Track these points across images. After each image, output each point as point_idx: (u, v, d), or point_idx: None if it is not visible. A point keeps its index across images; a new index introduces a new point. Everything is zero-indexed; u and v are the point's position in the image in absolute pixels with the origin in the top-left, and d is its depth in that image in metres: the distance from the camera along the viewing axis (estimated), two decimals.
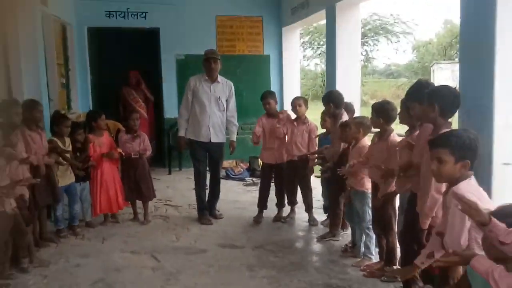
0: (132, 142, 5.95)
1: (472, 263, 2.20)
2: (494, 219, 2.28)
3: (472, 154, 2.72)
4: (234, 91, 6.17)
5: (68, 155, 5.42)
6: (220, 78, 6.03)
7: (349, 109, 5.54)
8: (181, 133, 6.09)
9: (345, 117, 5.15)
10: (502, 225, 2.25)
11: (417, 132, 3.69)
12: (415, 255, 3.11)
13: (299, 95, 9.98)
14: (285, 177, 6.07)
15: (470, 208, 2.37)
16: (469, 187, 2.66)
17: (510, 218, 2.22)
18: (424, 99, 3.33)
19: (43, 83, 6.36)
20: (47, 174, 5.11)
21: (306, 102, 5.95)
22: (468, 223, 2.54)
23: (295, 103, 5.86)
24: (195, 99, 5.97)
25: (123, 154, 5.95)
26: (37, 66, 6.17)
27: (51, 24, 7.14)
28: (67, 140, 5.48)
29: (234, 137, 6.22)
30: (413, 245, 3.47)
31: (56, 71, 7.36)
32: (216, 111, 5.99)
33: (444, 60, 21.71)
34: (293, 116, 5.98)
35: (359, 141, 4.65)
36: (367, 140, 4.67)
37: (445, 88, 3.36)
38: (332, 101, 5.24)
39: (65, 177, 5.46)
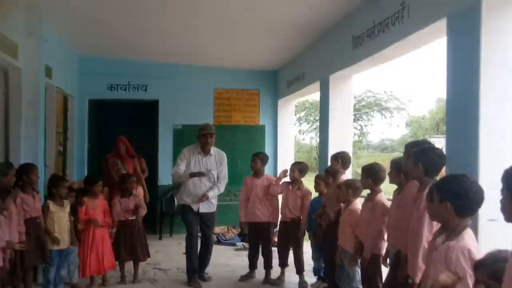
0: (128, 204, 6.05)
1: None
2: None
3: (455, 198, 2.68)
4: (226, 161, 6.34)
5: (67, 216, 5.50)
6: (212, 150, 6.21)
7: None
8: (184, 178, 6.14)
9: (345, 177, 5.27)
10: None
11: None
12: None
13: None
14: (278, 239, 6.16)
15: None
16: (471, 241, 2.65)
17: (495, 265, 2.22)
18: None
19: (40, 149, 6.52)
20: (39, 236, 5.14)
21: (303, 168, 6.05)
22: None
23: (290, 168, 6.01)
24: (186, 171, 6.10)
25: (114, 222, 6.00)
26: (36, 133, 6.34)
27: (53, 95, 7.42)
28: (66, 202, 5.55)
29: (211, 194, 6.11)
30: None
31: (54, 139, 7.56)
32: (206, 182, 6.13)
33: (437, 134, 22.13)
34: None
35: (350, 203, 4.75)
36: (358, 203, 4.77)
37: (430, 150, 3.49)
38: (341, 158, 5.36)
39: (63, 242, 5.45)
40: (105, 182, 6.41)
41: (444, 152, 3.54)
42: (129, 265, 6.11)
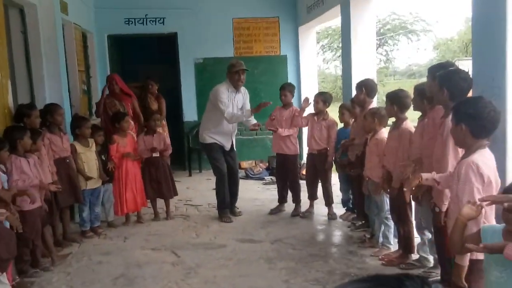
0: (152, 142, 6.05)
1: (506, 252, 2.19)
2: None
3: (469, 120, 2.70)
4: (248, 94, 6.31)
5: (94, 155, 5.58)
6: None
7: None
8: (209, 141, 6.10)
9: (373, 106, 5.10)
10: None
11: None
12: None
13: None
14: (306, 171, 6.18)
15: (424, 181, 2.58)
16: (481, 157, 2.67)
17: None
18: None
19: (64, 88, 6.51)
20: (70, 176, 5.23)
21: (326, 99, 5.91)
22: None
23: (314, 99, 5.91)
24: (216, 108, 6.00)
25: (142, 157, 6.05)
26: (58, 72, 6.29)
27: (72, 32, 7.32)
28: (91, 141, 5.59)
29: (252, 120, 6.16)
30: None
31: (77, 77, 7.51)
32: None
33: (465, 57, 21.39)
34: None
35: (376, 132, 4.64)
36: (384, 132, 4.66)
37: (456, 73, 3.36)
38: (365, 87, 5.12)
39: (94, 181, 5.54)
40: (103, 125, 6.40)
41: (471, 75, 3.40)
42: (161, 202, 6.23)
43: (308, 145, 6.04)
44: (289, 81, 9.50)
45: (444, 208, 3.31)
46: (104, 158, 5.76)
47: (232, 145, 6.21)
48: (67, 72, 6.81)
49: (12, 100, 5.27)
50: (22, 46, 5.90)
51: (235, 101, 6.04)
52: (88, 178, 5.45)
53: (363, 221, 5.36)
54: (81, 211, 5.56)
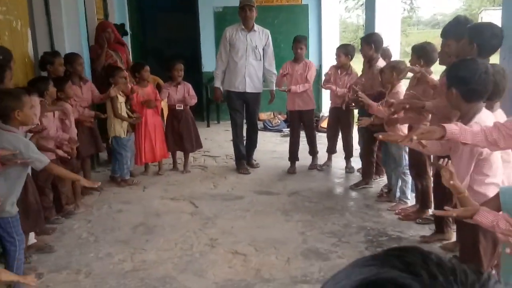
0: (175, 92, 5.99)
1: (475, 218, 2.16)
2: (447, 126, 2.41)
3: (459, 83, 2.64)
4: (271, 40, 6.10)
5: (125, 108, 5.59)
6: (256, 26, 5.98)
7: (386, 54, 5.42)
8: (217, 84, 6.11)
9: (381, 62, 5.03)
10: (455, 127, 2.39)
11: None
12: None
13: (338, 45, 9.85)
14: (328, 124, 6.11)
15: (419, 134, 2.52)
16: (484, 118, 2.62)
17: None
18: (461, 36, 3.25)
19: (84, 37, 6.47)
20: (91, 126, 5.28)
21: (348, 51, 5.73)
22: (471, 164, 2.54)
23: (336, 52, 5.77)
24: (231, 49, 5.95)
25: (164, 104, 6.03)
26: (77, 20, 6.24)
27: None
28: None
29: (273, 87, 6.17)
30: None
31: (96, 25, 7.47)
32: (252, 60, 5.96)
33: (493, 6, 20.66)
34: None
35: (394, 86, 4.55)
36: (402, 86, 4.58)
37: (487, 26, 3.25)
38: (374, 42, 5.03)
39: (120, 130, 5.56)
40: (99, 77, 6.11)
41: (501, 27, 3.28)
42: (181, 153, 6.27)
43: (331, 99, 5.92)
44: (310, 31, 9.35)
45: None
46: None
47: (254, 92, 6.04)
48: (86, 21, 6.76)
49: (32, 48, 5.29)
50: None
51: (247, 39, 5.91)
52: (132, 120, 5.58)
53: (381, 177, 5.35)
54: (124, 158, 5.59)
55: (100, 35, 6.46)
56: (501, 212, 2.12)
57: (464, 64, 2.70)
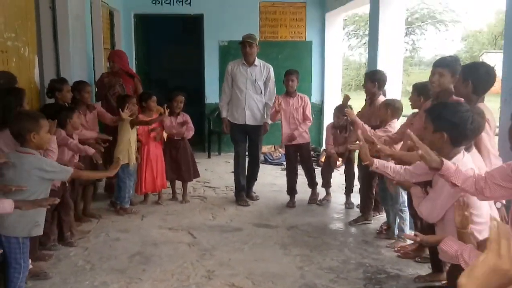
0: (174, 124, 6.07)
1: (441, 246, 2.16)
2: (445, 162, 2.42)
3: (451, 128, 2.67)
4: (273, 74, 6.19)
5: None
6: (258, 61, 6.10)
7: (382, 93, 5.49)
8: (224, 114, 6.21)
9: (382, 99, 5.09)
10: (452, 167, 2.41)
11: None
12: None
13: (340, 82, 9.98)
14: (325, 160, 6.16)
15: (424, 152, 2.48)
16: (464, 161, 2.66)
17: None
18: (456, 73, 3.33)
19: (90, 66, 6.58)
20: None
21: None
22: (449, 203, 2.56)
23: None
24: (233, 83, 6.10)
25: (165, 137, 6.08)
26: (84, 49, 6.36)
27: (99, 9, 7.36)
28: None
29: (268, 120, 6.21)
30: None
31: (103, 56, 7.58)
32: (252, 93, 6.05)
33: (494, 49, 20.99)
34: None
35: (387, 123, 4.61)
36: (396, 123, 4.64)
37: (481, 66, 3.33)
38: (377, 80, 5.09)
39: (125, 157, 5.53)
40: (104, 105, 6.13)
41: (501, 69, 3.35)
42: (180, 183, 6.28)
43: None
44: (313, 67, 9.49)
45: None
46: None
47: (254, 124, 6.12)
48: (93, 50, 6.88)
49: (39, 75, 5.36)
50: (50, 21, 5.96)
51: (247, 73, 6.03)
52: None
53: (382, 213, 5.34)
54: (127, 187, 5.61)
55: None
56: (469, 244, 2.14)
57: (455, 108, 2.73)
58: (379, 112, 4.67)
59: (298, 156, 6.14)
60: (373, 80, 5.11)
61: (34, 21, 5.30)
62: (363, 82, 5.47)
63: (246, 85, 6.04)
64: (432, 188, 2.83)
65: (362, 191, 5.37)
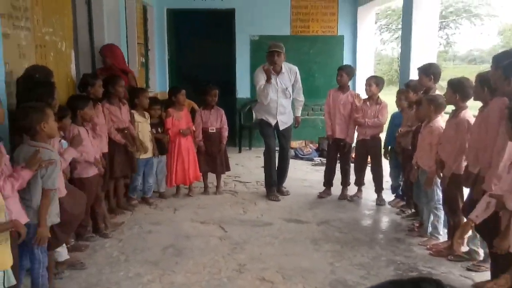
0: (209, 116, 6.15)
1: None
2: None
3: None
4: (299, 75, 6.22)
5: (149, 127, 5.70)
6: (284, 67, 6.08)
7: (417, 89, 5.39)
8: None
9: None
10: None
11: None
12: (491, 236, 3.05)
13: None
14: (355, 156, 6.13)
15: None
16: None
17: None
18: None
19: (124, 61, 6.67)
20: (126, 146, 5.37)
21: (379, 82, 5.84)
22: None
23: (366, 82, 5.82)
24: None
25: (195, 130, 6.15)
26: (119, 44, 6.46)
27: (133, 4, 7.47)
28: (147, 114, 5.74)
29: (298, 113, 6.30)
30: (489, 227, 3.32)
31: (136, 50, 7.69)
32: (282, 100, 6.09)
33: None
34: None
35: (431, 120, 4.53)
36: (440, 120, 4.54)
37: None
38: (432, 73, 4.93)
39: (148, 151, 5.69)
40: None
41: None
42: (212, 177, 6.36)
43: (358, 130, 5.96)
44: (344, 62, 9.39)
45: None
46: (160, 131, 5.91)
47: (287, 126, 6.19)
48: (127, 44, 6.98)
49: (75, 69, 5.47)
50: (86, 17, 6.08)
51: (277, 83, 6.02)
52: (144, 148, 5.60)
53: (413, 210, 5.29)
54: (134, 180, 5.74)
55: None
56: None
57: None
58: (421, 108, 4.59)
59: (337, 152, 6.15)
60: (428, 73, 4.96)
61: (71, 16, 5.41)
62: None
63: (277, 94, 6.04)
64: None
65: (407, 186, 5.32)
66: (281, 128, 6.16)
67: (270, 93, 5.98)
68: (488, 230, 3.20)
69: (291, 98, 6.18)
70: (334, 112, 6.04)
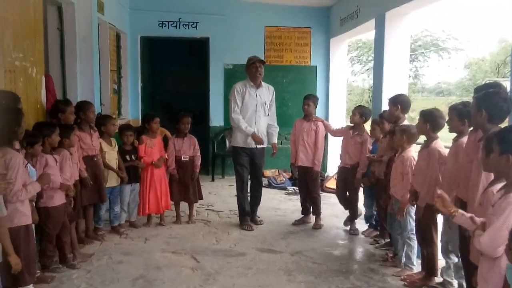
0: (182, 144, 6.09)
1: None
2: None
3: None
4: (275, 96, 6.26)
5: (116, 154, 5.59)
6: (262, 82, 6.13)
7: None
8: (250, 132, 5.98)
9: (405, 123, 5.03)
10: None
11: (465, 138, 3.59)
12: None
13: (344, 106, 9.99)
14: (336, 185, 6.17)
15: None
16: None
17: None
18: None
19: (96, 87, 6.59)
20: (96, 174, 5.24)
21: (364, 113, 5.81)
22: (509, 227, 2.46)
23: (352, 111, 5.90)
24: (242, 106, 6.04)
25: (168, 159, 6.08)
26: (91, 70, 6.39)
27: (106, 31, 7.43)
28: (113, 141, 5.64)
29: (275, 139, 6.29)
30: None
31: (109, 77, 7.62)
32: (262, 116, 6.07)
33: (497, 77, 21.01)
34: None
35: (404, 150, 4.57)
36: (412, 151, 4.59)
37: (495, 94, 3.26)
38: (401, 103, 5.02)
39: (112, 179, 5.58)
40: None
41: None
42: (184, 206, 6.26)
43: (341, 158, 5.97)
44: (317, 92, 9.51)
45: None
46: (134, 158, 5.81)
47: (262, 147, 6.11)
48: (100, 71, 6.91)
49: (45, 95, 5.36)
50: (58, 43, 6.01)
51: (257, 95, 6.02)
52: (118, 174, 5.53)
53: (387, 240, 5.28)
54: (98, 209, 5.56)
55: None
56: None
57: None
58: (394, 138, 4.65)
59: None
60: (395, 102, 5.04)
61: (42, 41, 5.33)
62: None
63: (257, 107, 6.03)
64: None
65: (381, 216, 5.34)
66: (258, 145, 6.01)
67: (249, 108, 5.98)
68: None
69: (267, 117, 6.14)
70: (298, 140, 6.08)
